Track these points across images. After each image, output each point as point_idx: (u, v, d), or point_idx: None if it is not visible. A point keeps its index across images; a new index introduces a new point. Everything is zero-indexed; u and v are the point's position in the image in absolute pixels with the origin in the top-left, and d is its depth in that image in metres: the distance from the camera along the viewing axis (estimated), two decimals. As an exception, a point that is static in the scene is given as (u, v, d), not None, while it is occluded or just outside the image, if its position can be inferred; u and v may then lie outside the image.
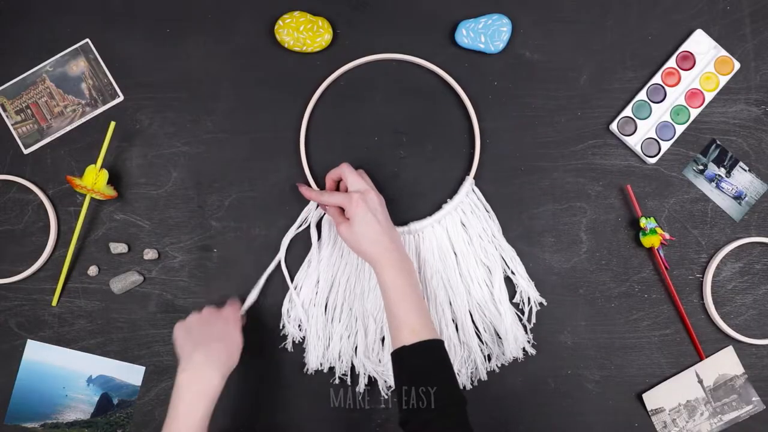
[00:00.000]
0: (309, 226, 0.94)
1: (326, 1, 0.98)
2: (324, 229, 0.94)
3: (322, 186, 0.95)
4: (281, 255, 0.94)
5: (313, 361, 0.92)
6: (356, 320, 0.93)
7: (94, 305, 0.95)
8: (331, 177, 0.89)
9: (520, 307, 0.94)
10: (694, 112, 0.96)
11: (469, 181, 0.94)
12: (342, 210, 0.84)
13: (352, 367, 0.93)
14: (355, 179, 0.85)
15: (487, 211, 0.94)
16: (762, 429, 0.92)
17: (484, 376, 0.92)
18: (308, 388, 0.94)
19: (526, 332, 0.93)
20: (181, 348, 0.85)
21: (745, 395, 0.92)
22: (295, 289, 0.94)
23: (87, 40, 0.98)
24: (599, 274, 0.95)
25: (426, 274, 0.92)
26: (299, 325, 0.94)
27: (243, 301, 0.93)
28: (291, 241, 0.94)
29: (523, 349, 0.93)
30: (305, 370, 0.93)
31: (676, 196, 0.96)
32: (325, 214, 0.94)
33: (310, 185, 0.94)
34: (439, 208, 0.94)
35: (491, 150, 0.96)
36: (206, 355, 0.82)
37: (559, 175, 0.96)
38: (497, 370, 0.93)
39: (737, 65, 0.96)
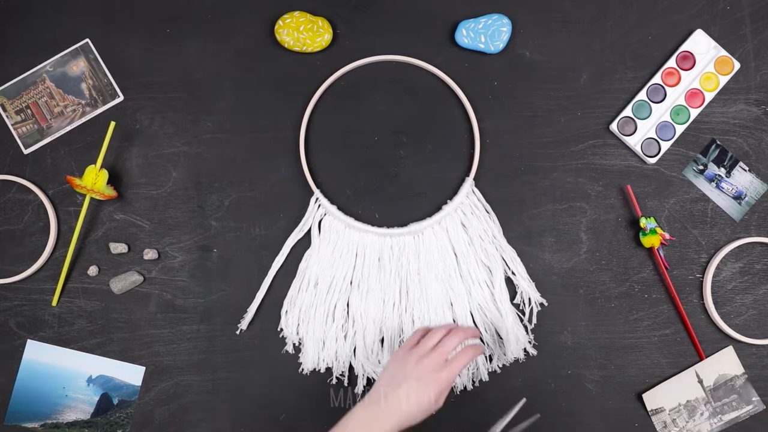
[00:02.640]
0: (310, 228, 0.95)
1: (326, 1, 0.98)
2: (324, 230, 0.94)
3: (318, 184, 0.95)
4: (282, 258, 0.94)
5: (309, 361, 0.92)
6: (354, 321, 0.92)
7: (94, 305, 0.95)
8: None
9: (521, 307, 0.94)
10: (694, 112, 0.96)
11: (469, 182, 0.94)
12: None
13: (352, 368, 0.93)
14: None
15: (488, 212, 0.94)
16: (762, 429, 0.92)
17: (485, 377, 0.92)
18: (308, 388, 0.94)
19: (527, 332, 0.93)
20: (381, 379, 0.78)
21: (745, 395, 0.92)
22: (293, 290, 0.94)
23: (87, 40, 0.98)
24: (599, 274, 0.95)
25: (426, 276, 0.92)
26: (298, 326, 0.94)
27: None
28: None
29: (524, 350, 0.93)
30: (300, 369, 0.93)
31: (676, 196, 0.96)
32: (326, 214, 0.94)
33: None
34: (439, 208, 0.94)
35: (491, 150, 0.96)
36: (397, 414, 0.74)
37: (559, 175, 0.96)
38: (498, 371, 0.92)
39: (737, 65, 0.96)
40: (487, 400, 0.93)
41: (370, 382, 0.92)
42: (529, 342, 0.93)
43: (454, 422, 0.92)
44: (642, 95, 0.96)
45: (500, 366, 0.92)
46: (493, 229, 0.94)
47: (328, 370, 0.93)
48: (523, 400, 0.81)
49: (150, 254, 0.95)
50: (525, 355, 0.93)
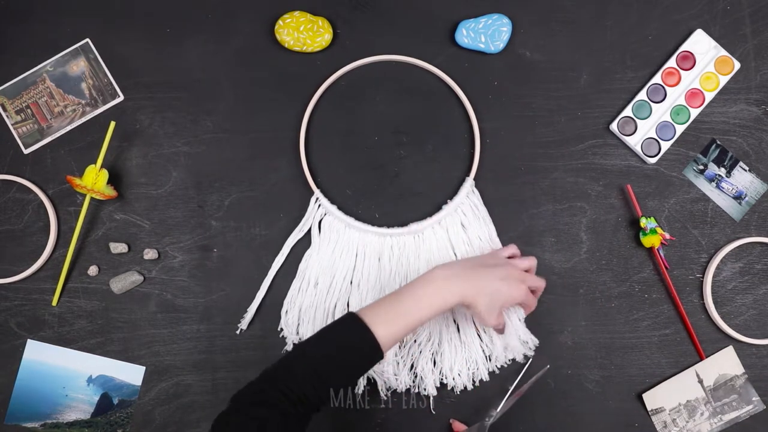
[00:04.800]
0: (310, 228, 0.95)
1: (326, 1, 0.98)
2: (324, 230, 0.94)
3: (318, 184, 0.95)
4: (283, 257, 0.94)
5: None
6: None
7: (94, 305, 0.95)
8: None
9: (520, 307, 0.94)
10: (694, 112, 0.96)
11: (469, 182, 0.94)
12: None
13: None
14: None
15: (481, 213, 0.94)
16: (762, 429, 0.92)
17: (485, 377, 0.92)
18: (308, 388, 0.94)
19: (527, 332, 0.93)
20: (467, 260, 0.82)
21: (745, 395, 0.92)
22: (293, 290, 0.94)
23: (87, 40, 0.98)
24: (599, 274, 0.95)
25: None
26: (298, 326, 0.93)
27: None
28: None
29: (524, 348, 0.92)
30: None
31: (677, 196, 0.96)
32: (326, 214, 0.94)
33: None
34: (439, 208, 0.94)
35: (491, 150, 0.96)
36: (474, 287, 0.78)
37: (559, 175, 0.96)
38: (497, 371, 0.92)
39: (737, 65, 0.96)
40: (487, 400, 0.93)
41: (370, 382, 0.92)
42: (530, 340, 0.92)
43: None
44: (642, 95, 0.96)
45: (499, 366, 0.92)
46: (490, 232, 0.94)
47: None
48: (547, 366, 0.88)
49: (150, 254, 0.95)
50: (524, 356, 0.93)
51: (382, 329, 0.74)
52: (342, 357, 0.74)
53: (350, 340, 0.74)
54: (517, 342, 0.91)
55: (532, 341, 0.92)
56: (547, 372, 0.88)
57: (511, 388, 0.86)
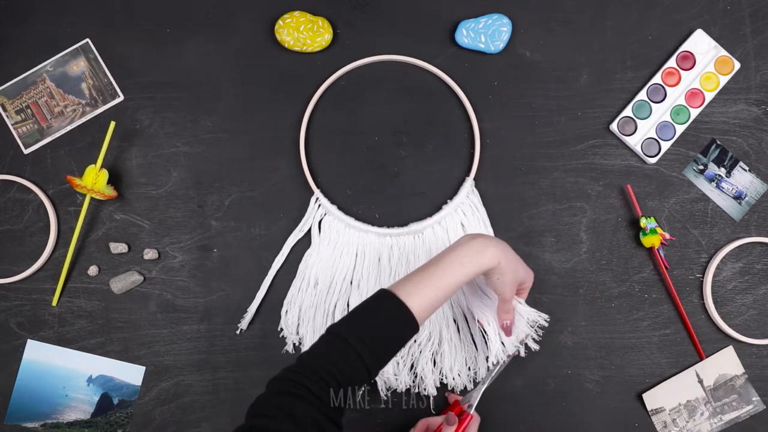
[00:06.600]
0: (310, 228, 0.95)
1: (326, 1, 0.98)
2: (324, 230, 0.94)
3: (318, 184, 0.95)
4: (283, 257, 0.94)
5: None
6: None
7: (94, 305, 0.95)
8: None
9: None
10: (694, 112, 0.96)
11: (469, 182, 0.94)
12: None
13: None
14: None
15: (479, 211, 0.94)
16: (762, 429, 0.92)
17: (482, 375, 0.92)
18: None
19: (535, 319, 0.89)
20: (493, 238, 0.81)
21: (745, 395, 0.92)
22: (293, 290, 0.94)
23: (87, 40, 0.99)
24: (599, 274, 0.95)
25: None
26: (298, 326, 0.93)
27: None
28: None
29: (525, 345, 0.91)
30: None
31: (677, 196, 0.96)
32: (326, 214, 0.95)
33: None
34: (439, 208, 0.94)
35: (491, 150, 0.96)
36: (505, 254, 0.78)
37: (559, 175, 0.96)
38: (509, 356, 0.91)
39: (737, 65, 0.96)
40: (488, 400, 0.93)
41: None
42: (534, 331, 0.88)
43: (454, 422, 0.92)
44: (642, 95, 0.97)
45: (498, 360, 0.90)
46: (489, 231, 0.93)
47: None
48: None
49: (150, 254, 0.95)
50: (526, 349, 0.91)
51: (415, 300, 0.73)
52: (378, 334, 0.72)
53: (384, 316, 0.73)
54: (527, 325, 0.87)
55: (542, 318, 0.87)
56: (527, 337, 0.86)
57: (502, 361, 0.86)
